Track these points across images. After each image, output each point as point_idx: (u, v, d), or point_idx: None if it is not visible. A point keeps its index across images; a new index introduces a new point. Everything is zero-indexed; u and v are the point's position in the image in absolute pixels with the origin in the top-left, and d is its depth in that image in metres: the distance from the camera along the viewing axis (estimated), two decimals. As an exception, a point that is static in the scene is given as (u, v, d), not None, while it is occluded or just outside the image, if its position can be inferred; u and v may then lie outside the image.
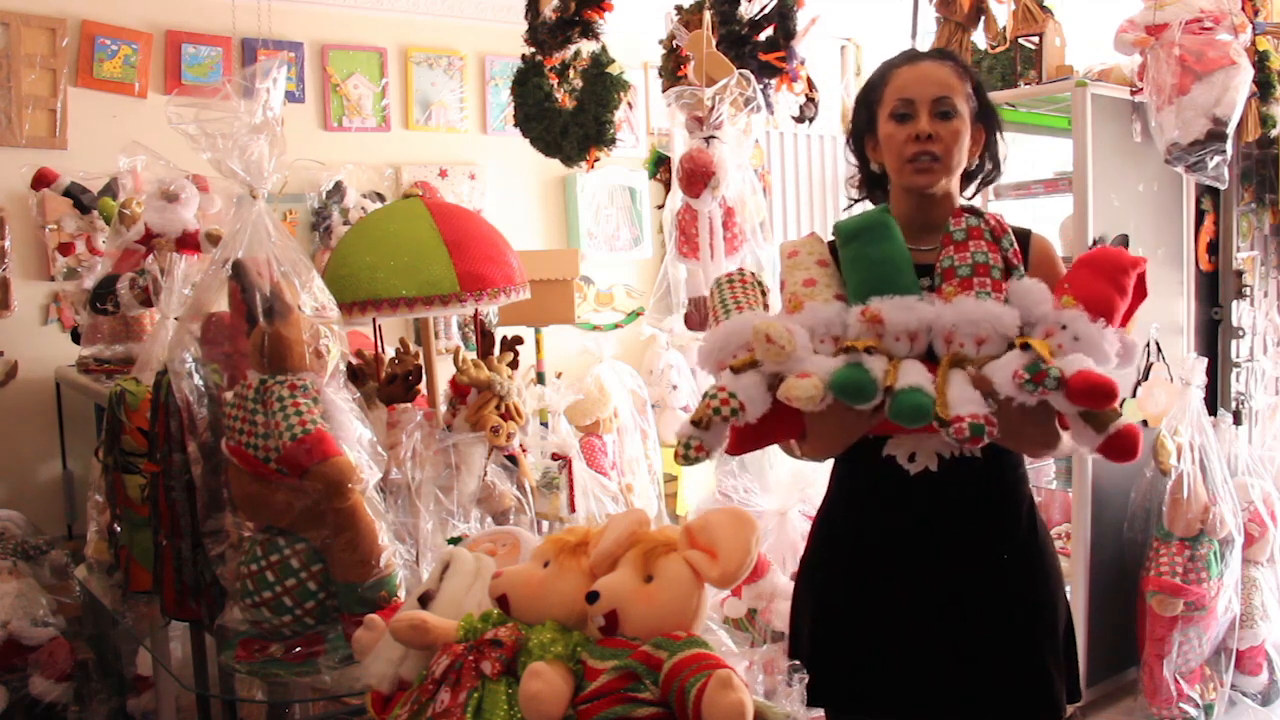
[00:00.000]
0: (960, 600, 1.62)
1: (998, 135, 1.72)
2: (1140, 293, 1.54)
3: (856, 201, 1.83)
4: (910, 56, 1.71)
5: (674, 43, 3.20)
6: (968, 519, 1.62)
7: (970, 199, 1.76)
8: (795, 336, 1.47)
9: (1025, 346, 1.42)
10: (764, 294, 1.70)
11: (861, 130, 1.73)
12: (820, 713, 1.71)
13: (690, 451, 1.44)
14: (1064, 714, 1.66)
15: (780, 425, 1.52)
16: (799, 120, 3.26)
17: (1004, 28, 3.33)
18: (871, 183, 1.78)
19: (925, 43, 3.53)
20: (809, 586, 1.76)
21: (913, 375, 1.44)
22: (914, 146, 1.61)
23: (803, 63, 3.08)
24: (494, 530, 1.85)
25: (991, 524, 1.64)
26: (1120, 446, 1.42)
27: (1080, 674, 1.76)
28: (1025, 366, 1.39)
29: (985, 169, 1.74)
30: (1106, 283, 1.49)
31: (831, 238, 1.67)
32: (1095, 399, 1.38)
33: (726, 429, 1.48)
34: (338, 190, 4.18)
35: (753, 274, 1.73)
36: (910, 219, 1.68)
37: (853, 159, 1.79)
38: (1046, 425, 1.49)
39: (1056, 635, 1.67)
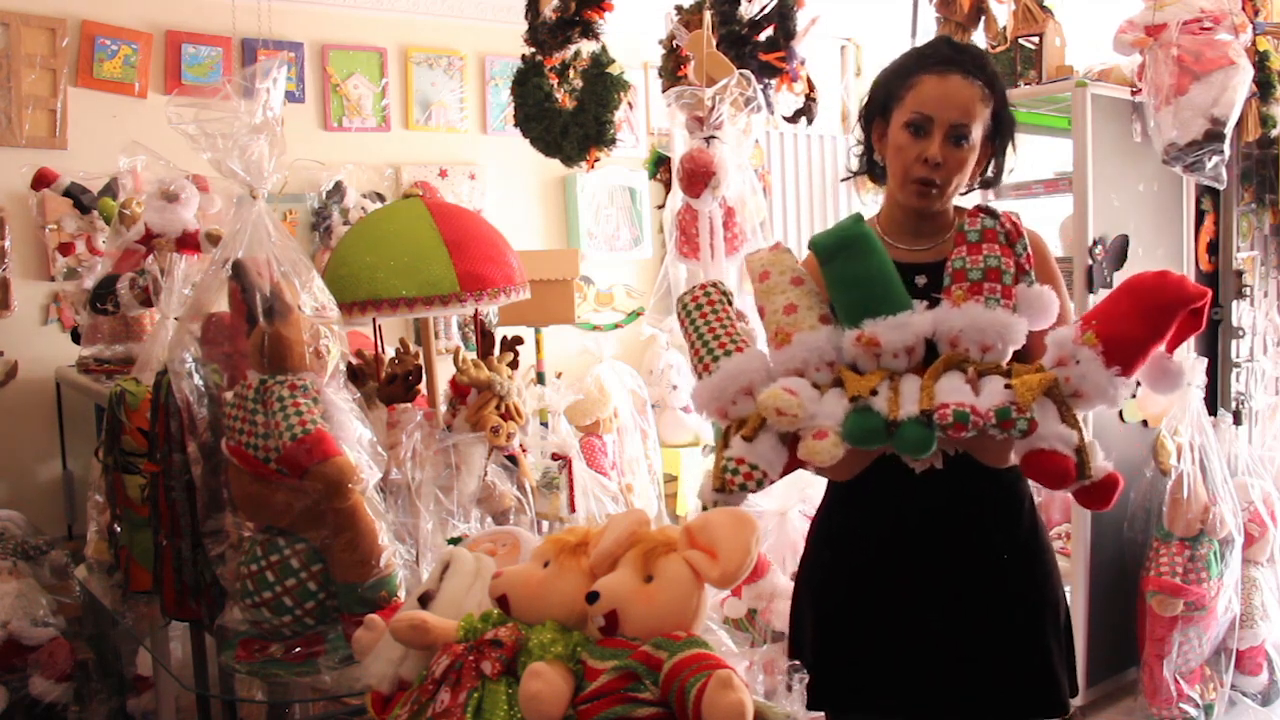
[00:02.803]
0: (963, 599, 1.62)
1: (1006, 152, 1.70)
2: (1193, 325, 1.46)
3: (855, 174, 1.81)
4: (945, 60, 1.61)
5: (674, 43, 3.19)
6: (970, 516, 1.62)
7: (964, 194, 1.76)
8: (803, 399, 1.48)
9: (1009, 386, 1.43)
10: (730, 302, 1.71)
11: (874, 113, 1.70)
12: (821, 714, 1.71)
13: None
14: (1069, 712, 1.66)
15: (797, 463, 1.55)
16: (791, 121, 3.25)
17: (1004, 28, 3.33)
18: (872, 162, 1.76)
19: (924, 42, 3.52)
20: (809, 587, 1.76)
21: (914, 403, 1.45)
22: (921, 169, 1.59)
23: (803, 63, 3.08)
24: (494, 530, 1.85)
25: (994, 522, 1.64)
26: (1092, 497, 1.46)
27: (1078, 672, 1.76)
28: (996, 409, 1.40)
29: (982, 178, 1.73)
30: (1143, 324, 1.43)
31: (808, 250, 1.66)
32: (1043, 480, 1.44)
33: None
34: (338, 190, 4.18)
35: (716, 286, 1.73)
36: (902, 224, 1.69)
37: (860, 134, 1.76)
38: (1001, 451, 1.52)
39: (1059, 633, 1.67)
